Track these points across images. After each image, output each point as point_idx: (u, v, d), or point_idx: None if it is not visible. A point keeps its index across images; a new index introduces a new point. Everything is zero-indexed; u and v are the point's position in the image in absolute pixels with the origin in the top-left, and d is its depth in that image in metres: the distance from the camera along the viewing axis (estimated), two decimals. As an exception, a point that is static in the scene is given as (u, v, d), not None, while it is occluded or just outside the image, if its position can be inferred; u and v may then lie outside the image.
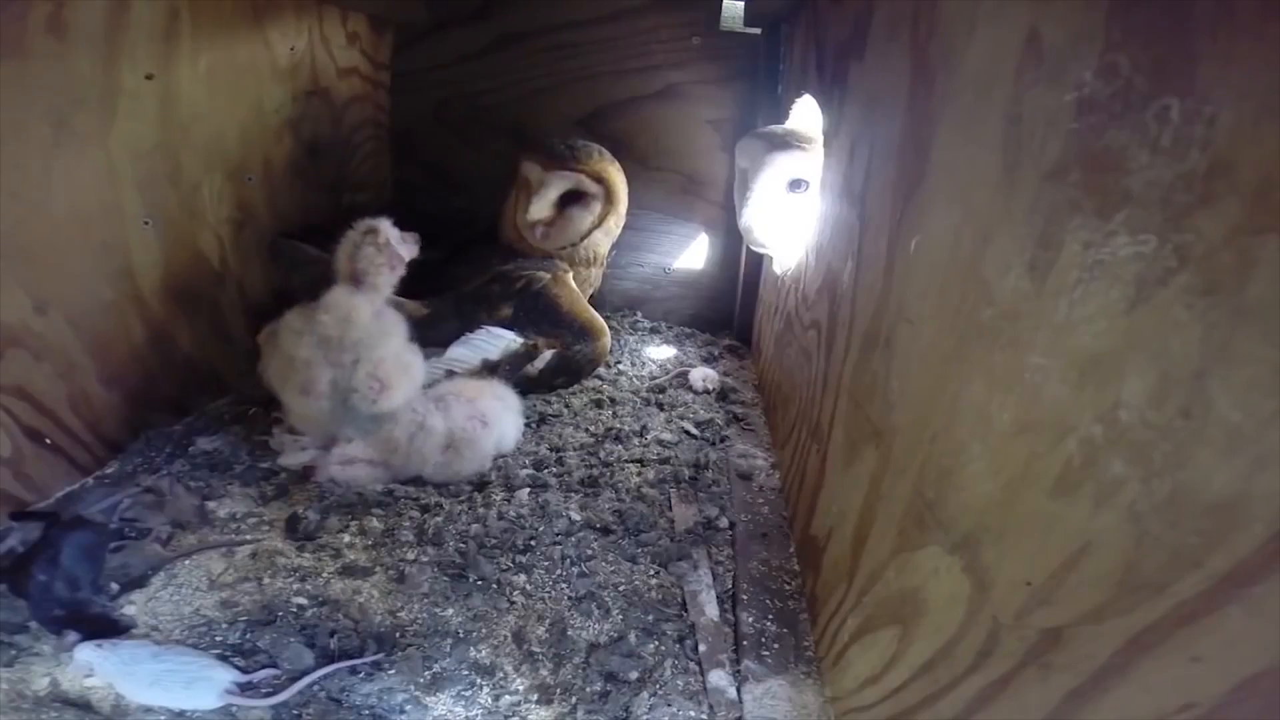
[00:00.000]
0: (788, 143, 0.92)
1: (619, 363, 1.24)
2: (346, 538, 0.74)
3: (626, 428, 1.01)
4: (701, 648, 0.64)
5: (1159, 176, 0.28)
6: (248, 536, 0.73)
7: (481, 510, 0.79)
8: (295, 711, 0.55)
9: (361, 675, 0.58)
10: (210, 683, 0.55)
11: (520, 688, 0.59)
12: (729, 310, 1.45)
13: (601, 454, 0.94)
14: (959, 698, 0.40)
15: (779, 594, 0.72)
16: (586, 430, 1.00)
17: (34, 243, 0.71)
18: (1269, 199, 0.24)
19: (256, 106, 1.04)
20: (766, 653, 0.65)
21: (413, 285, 1.12)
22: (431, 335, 1.00)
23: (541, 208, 1.09)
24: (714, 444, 1.00)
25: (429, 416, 0.85)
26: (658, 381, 1.18)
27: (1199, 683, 0.26)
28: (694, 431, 1.02)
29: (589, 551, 0.75)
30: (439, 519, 0.77)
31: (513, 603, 0.68)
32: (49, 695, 0.54)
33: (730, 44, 1.30)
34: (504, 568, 0.72)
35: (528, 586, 0.70)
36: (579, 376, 1.13)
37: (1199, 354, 0.26)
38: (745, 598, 0.71)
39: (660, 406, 1.09)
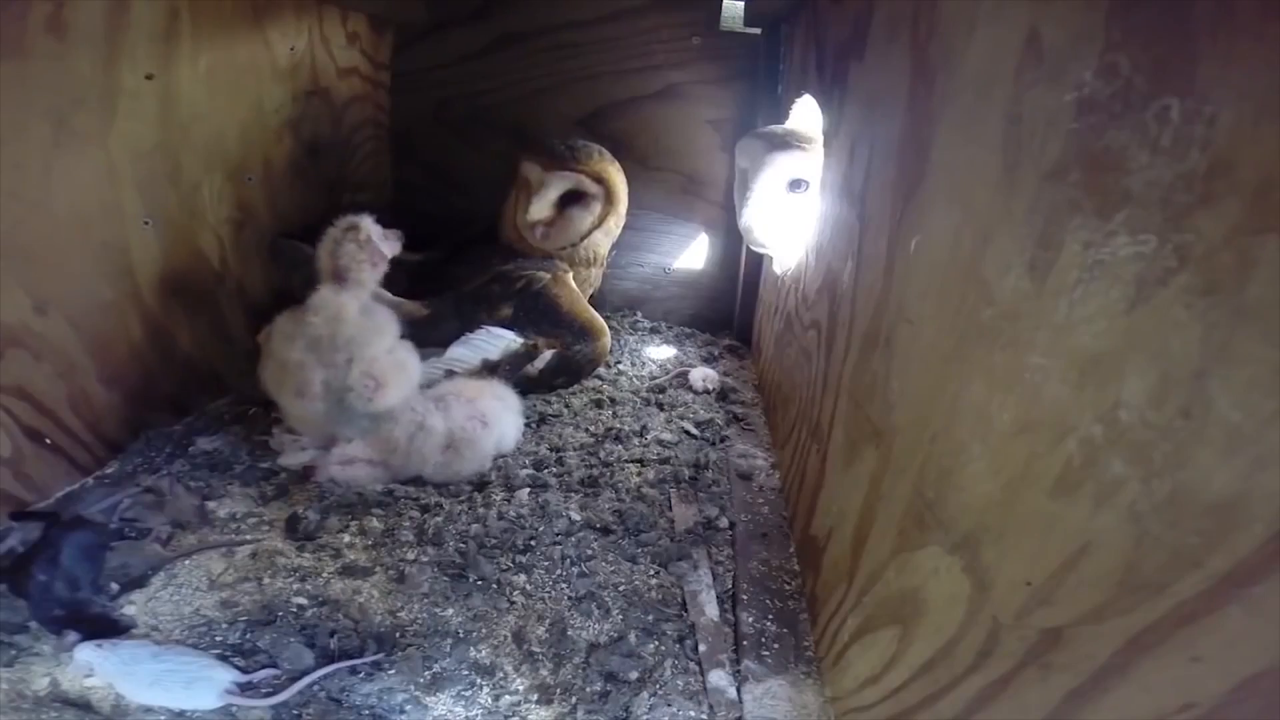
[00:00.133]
0: (788, 143, 0.92)
1: (619, 363, 1.24)
2: (346, 538, 0.74)
3: (626, 428, 1.01)
4: (701, 648, 0.64)
5: (1159, 176, 0.28)
6: (248, 536, 0.73)
7: (481, 510, 0.79)
8: (295, 711, 0.55)
9: (361, 675, 0.58)
10: (210, 683, 0.55)
11: (520, 688, 0.59)
12: (729, 310, 1.45)
13: (601, 454, 0.94)
14: (959, 698, 0.40)
15: (779, 594, 0.72)
16: (586, 430, 1.00)
17: (34, 243, 0.71)
18: (1269, 199, 0.24)
19: (256, 106, 1.04)
20: (766, 653, 0.65)
21: (413, 285, 1.12)
22: (432, 335, 1.00)
23: (541, 208, 1.09)
24: (714, 444, 1.00)
25: (429, 416, 0.85)
26: (658, 381, 1.18)
27: (1199, 683, 0.26)
28: (694, 431, 1.02)
29: (589, 551, 0.75)
30: (439, 519, 0.77)
31: (513, 603, 0.68)
32: (49, 695, 0.54)
33: (730, 44, 1.30)
34: (504, 568, 0.72)
35: (528, 586, 0.70)
36: (579, 376, 1.13)
37: (1199, 354, 0.26)
38: (745, 598, 0.71)
39: (660, 406, 1.09)
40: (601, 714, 0.57)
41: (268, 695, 0.55)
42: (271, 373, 0.83)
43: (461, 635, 0.63)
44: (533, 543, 0.75)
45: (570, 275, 1.13)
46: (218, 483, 0.81)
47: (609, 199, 1.12)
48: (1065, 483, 0.32)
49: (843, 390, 0.67)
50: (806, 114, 1.00)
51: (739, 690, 0.61)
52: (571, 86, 1.37)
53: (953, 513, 0.42)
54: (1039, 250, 0.35)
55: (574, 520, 0.79)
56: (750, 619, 0.68)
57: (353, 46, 1.27)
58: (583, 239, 1.13)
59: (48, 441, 0.75)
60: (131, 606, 0.63)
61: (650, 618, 0.67)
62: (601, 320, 1.11)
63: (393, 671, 0.59)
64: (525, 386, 1.03)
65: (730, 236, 1.38)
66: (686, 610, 0.69)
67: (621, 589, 0.71)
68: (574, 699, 0.58)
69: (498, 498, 0.82)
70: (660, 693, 0.59)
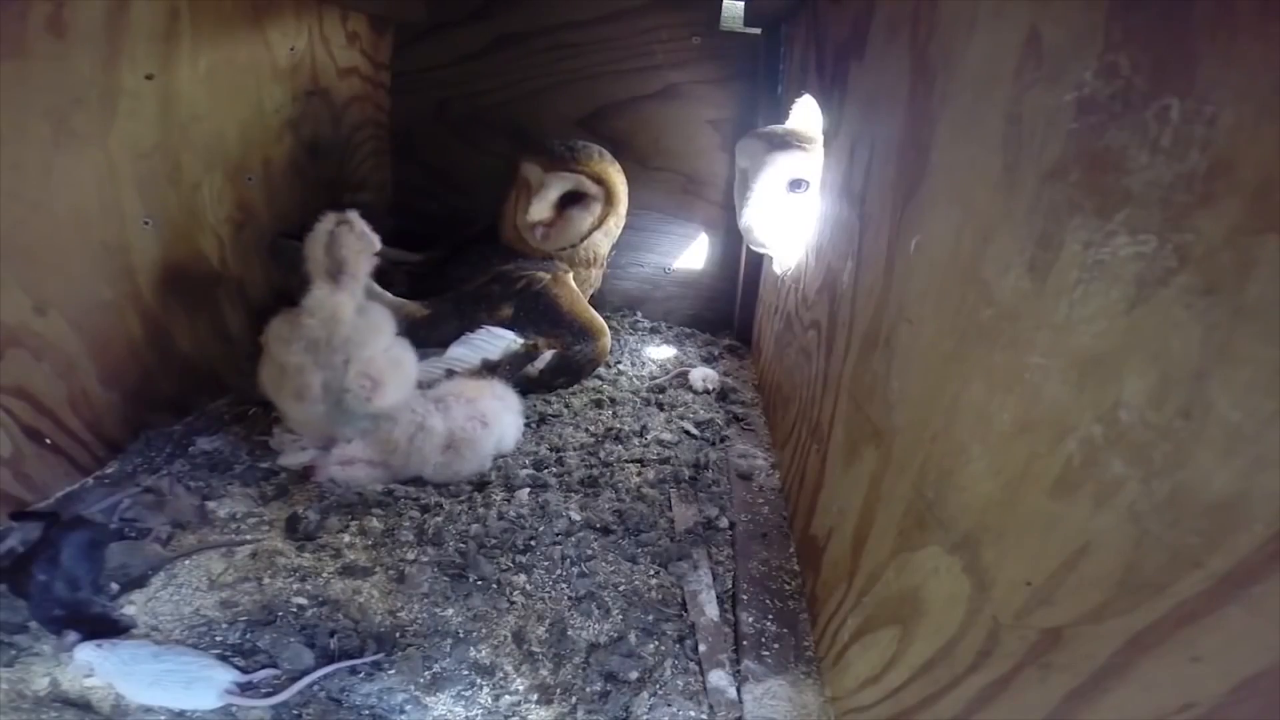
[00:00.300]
0: (788, 143, 0.92)
1: (619, 363, 1.24)
2: (346, 538, 0.74)
3: (626, 428, 1.01)
4: (701, 648, 0.64)
5: (1159, 176, 0.28)
6: (248, 536, 0.73)
7: (481, 510, 0.79)
8: (295, 711, 0.55)
9: (361, 675, 0.58)
10: (210, 683, 0.55)
11: (520, 688, 0.59)
12: (729, 310, 1.45)
13: (601, 454, 0.94)
14: (959, 698, 0.40)
15: (779, 594, 0.72)
16: (586, 430, 1.00)
17: (34, 243, 0.71)
18: (1269, 199, 0.24)
19: (256, 106, 1.04)
20: (766, 653, 0.65)
21: (413, 285, 1.12)
22: (432, 335, 1.00)
23: (541, 209, 1.09)
24: (714, 444, 1.00)
25: (429, 417, 0.85)
26: (658, 381, 1.18)
27: (1199, 683, 0.26)
28: (694, 431, 1.02)
29: (589, 551, 0.75)
30: (439, 519, 0.77)
31: (513, 603, 0.68)
32: (49, 695, 0.54)
33: (730, 44, 1.30)
34: (504, 568, 0.72)
35: (528, 586, 0.70)
36: (579, 376, 1.13)
37: (1199, 354, 0.26)
38: (745, 598, 0.71)
39: (660, 406, 1.09)
40: (601, 714, 0.57)
41: (268, 695, 0.55)
42: (270, 375, 0.83)
43: (461, 635, 0.63)
44: (533, 543, 0.75)
45: (570, 275, 1.13)
46: (218, 483, 0.81)
47: (609, 199, 1.12)
48: (1065, 483, 0.32)
49: (843, 390, 0.67)
50: (806, 114, 1.00)
51: (739, 690, 0.61)
52: (571, 86, 1.37)
53: (953, 513, 0.42)
54: (1039, 250, 0.35)
55: (574, 520, 0.79)
56: (750, 619, 0.68)
57: (353, 46, 1.27)
58: (583, 240, 1.13)
59: (48, 441, 0.75)
60: (131, 606, 0.63)
61: (650, 618, 0.67)
62: (601, 320, 1.11)
63: (393, 671, 0.59)
64: (525, 386, 1.03)
65: (730, 236, 1.38)
66: (686, 610, 0.69)
67: (621, 589, 0.71)
68: (574, 699, 0.58)
69: (498, 498, 0.82)
70: (660, 693, 0.59)
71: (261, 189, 1.07)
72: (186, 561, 0.69)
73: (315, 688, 0.57)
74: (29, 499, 0.73)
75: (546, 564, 0.72)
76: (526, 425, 0.98)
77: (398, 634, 0.63)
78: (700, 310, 1.47)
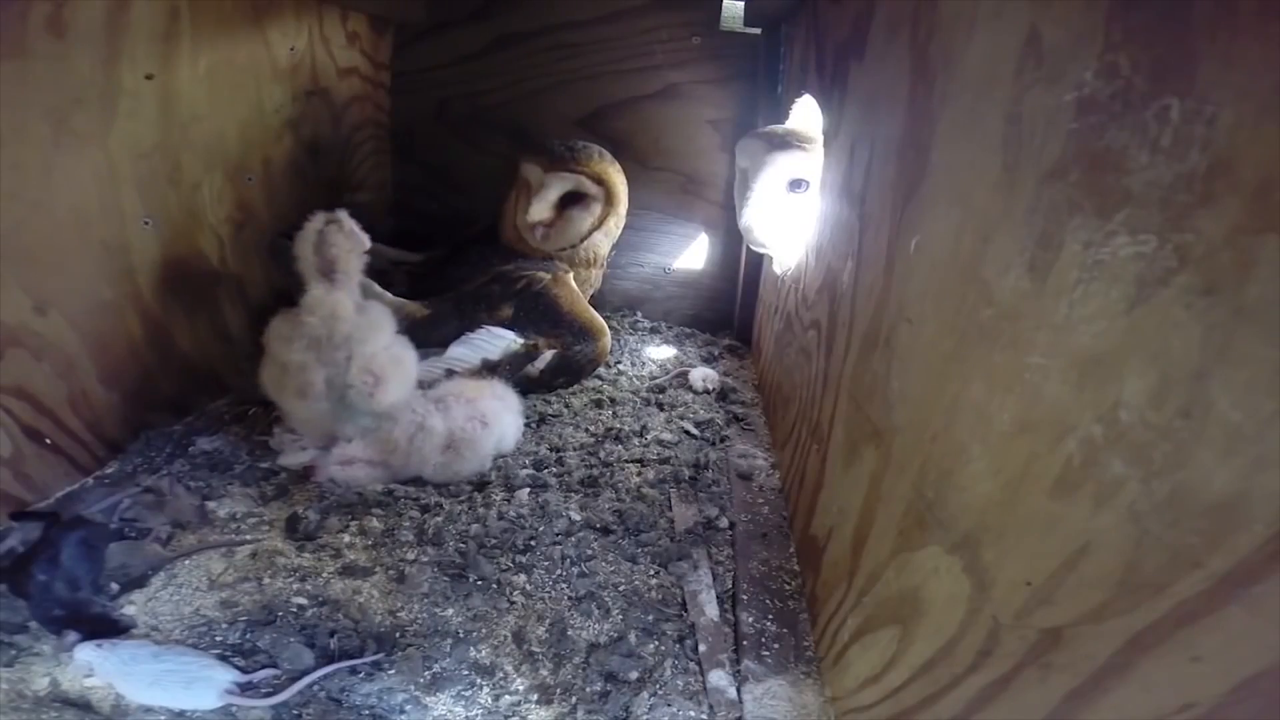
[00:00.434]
0: (788, 143, 0.92)
1: (619, 363, 1.24)
2: (346, 538, 0.74)
3: (626, 428, 1.01)
4: (701, 648, 0.64)
5: (1159, 176, 0.28)
6: (248, 536, 0.73)
7: (481, 510, 0.79)
8: (295, 711, 0.55)
9: (361, 675, 0.58)
10: (210, 683, 0.55)
11: (520, 688, 0.59)
12: (729, 310, 1.45)
13: (601, 454, 0.94)
14: (959, 698, 0.40)
15: (779, 594, 0.72)
16: (586, 430, 1.00)
17: (34, 243, 0.71)
18: (1269, 199, 0.24)
19: (256, 106, 1.04)
20: (766, 653, 0.65)
21: (413, 285, 1.12)
22: (432, 335, 1.00)
23: (541, 209, 1.09)
24: (714, 444, 1.00)
25: (429, 417, 0.85)
26: (658, 381, 1.18)
27: (1199, 683, 0.26)
28: (694, 431, 1.02)
29: (589, 551, 0.75)
30: (439, 519, 0.77)
31: (513, 603, 0.68)
32: (49, 695, 0.54)
33: (730, 44, 1.30)
34: (504, 568, 0.72)
35: (528, 586, 0.70)
36: (579, 376, 1.13)
37: (1199, 354, 0.26)
38: (745, 598, 0.71)
39: (660, 406, 1.09)
40: (601, 714, 0.57)
41: (268, 695, 0.55)
42: (271, 375, 0.83)
43: (461, 635, 0.63)
44: (533, 543, 0.75)
45: (570, 276, 1.13)
46: (218, 483, 0.81)
47: (609, 200, 1.12)
48: (1065, 483, 0.32)
49: (843, 390, 0.67)
50: (806, 114, 1.00)
51: (739, 690, 0.61)
52: (571, 86, 1.37)
53: (953, 513, 0.42)
54: (1039, 250, 0.35)
55: (574, 520, 0.79)
56: (750, 619, 0.68)
57: (353, 46, 1.27)
58: (583, 240, 1.13)
59: (48, 441, 0.75)
60: (131, 606, 0.63)
61: (650, 618, 0.67)
62: (601, 320, 1.12)
63: (393, 671, 0.59)
64: (525, 386, 1.03)
65: (730, 236, 1.38)
66: (686, 610, 0.69)
67: (621, 589, 0.71)
68: (574, 699, 0.58)
69: (498, 498, 0.82)
70: (660, 693, 0.59)
71: (261, 189, 1.07)
72: (186, 561, 0.69)
73: (315, 688, 0.57)
74: (29, 499, 0.73)
75: (546, 564, 0.72)
76: (526, 425, 0.98)
77: (398, 634, 0.63)
78: (700, 310, 1.47)
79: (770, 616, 0.69)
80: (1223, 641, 0.25)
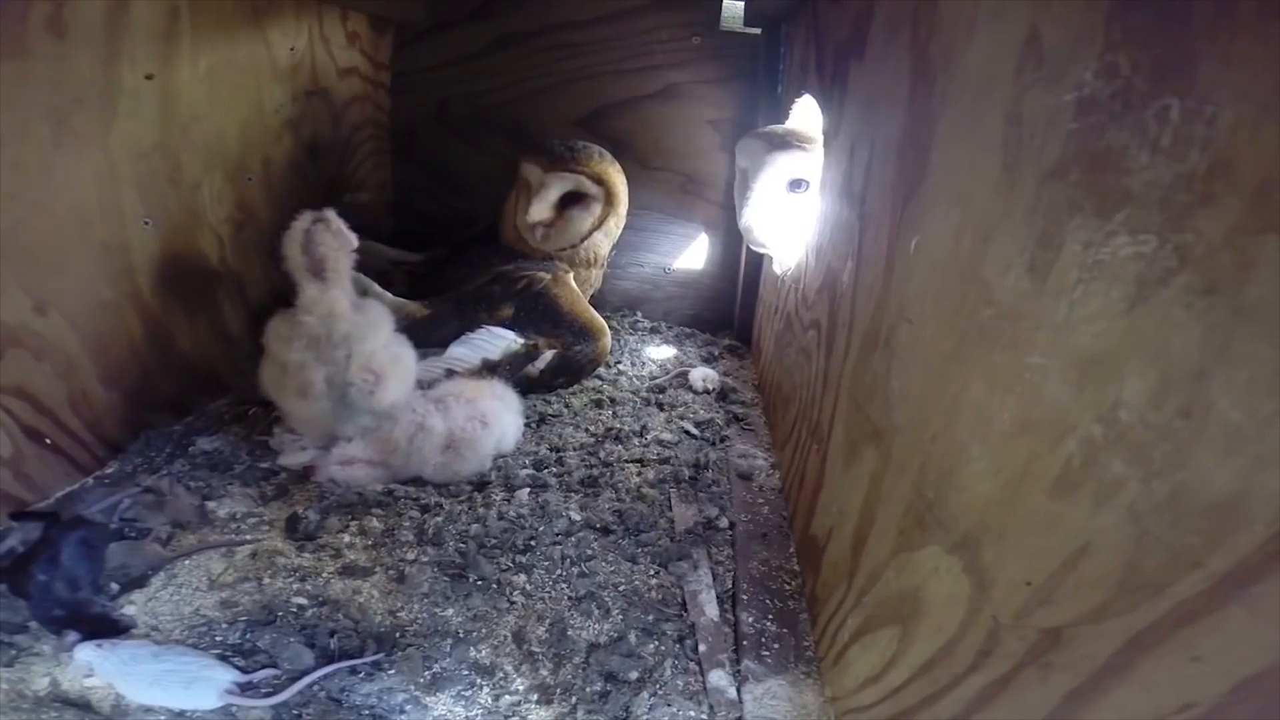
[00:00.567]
0: (788, 143, 0.92)
1: (619, 363, 1.24)
2: (346, 538, 0.74)
3: (626, 428, 1.01)
4: (701, 648, 0.64)
5: (1159, 176, 0.28)
6: (248, 536, 0.73)
7: (481, 510, 0.79)
8: (295, 711, 0.55)
9: (361, 675, 0.58)
10: (210, 683, 0.55)
11: (520, 688, 0.59)
12: (729, 310, 1.45)
13: (601, 454, 0.94)
14: (959, 698, 0.40)
15: (779, 594, 0.72)
16: (586, 430, 1.00)
17: (34, 243, 0.71)
18: (1269, 199, 0.24)
19: (256, 106, 1.04)
20: (766, 653, 0.64)
21: (413, 285, 1.12)
22: (433, 335, 1.00)
23: (541, 209, 1.09)
24: (714, 444, 1.00)
25: (429, 417, 0.85)
26: (658, 381, 1.18)
27: (1199, 683, 0.26)
28: (694, 431, 1.02)
29: (589, 551, 0.75)
30: (439, 519, 0.77)
31: (513, 603, 0.68)
32: (49, 695, 0.54)
33: (730, 44, 1.30)
34: (504, 568, 0.72)
35: (528, 586, 0.70)
36: (579, 376, 1.13)
37: (1199, 354, 0.26)
38: (745, 598, 0.71)
39: (660, 406, 1.09)
40: (601, 714, 0.57)
41: (268, 695, 0.55)
42: (271, 375, 0.83)
43: (461, 635, 0.63)
44: (533, 543, 0.75)
45: (571, 275, 1.13)
46: (218, 483, 0.81)
47: (609, 200, 1.12)
48: (1065, 483, 0.32)
49: (843, 390, 0.67)
50: (806, 114, 1.00)
51: (739, 690, 0.61)
52: (571, 86, 1.37)
53: (953, 513, 0.42)
54: (1039, 250, 0.35)
55: (574, 520, 0.79)
56: (750, 619, 0.68)
57: (353, 46, 1.27)
58: (583, 240, 1.13)
59: (48, 441, 0.75)
60: (131, 606, 0.63)
61: (650, 618, 0.67)
62: (602, 320, 1.12)
63: (393, 671, 0.59)
64: (525, 386, 1.03)
65: (730, 236, 1.38)
66: (686, 610, 0.69)
67: (621, 589, 0.71)
68: (574, 699, 0.58)
69: (498, 498, 0.82)
70: (660, 693, 0.59)
71: (261, 189, 1.07)
72: (186, 561, 0.69)
73: (315, 688, 0.57)
74: (29, 499, 0.73)
75: (546, 564, 0.72)
76: (526, 425, 0.98)
77: (398, 634, 0.63)
78: (700, 310, 1.47)
79: (770, 616, 0.69)
80: (1223, 641, 0.25)
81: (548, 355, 1.06)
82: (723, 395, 1.16)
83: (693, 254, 1.44)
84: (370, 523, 0.76)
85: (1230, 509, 0.25)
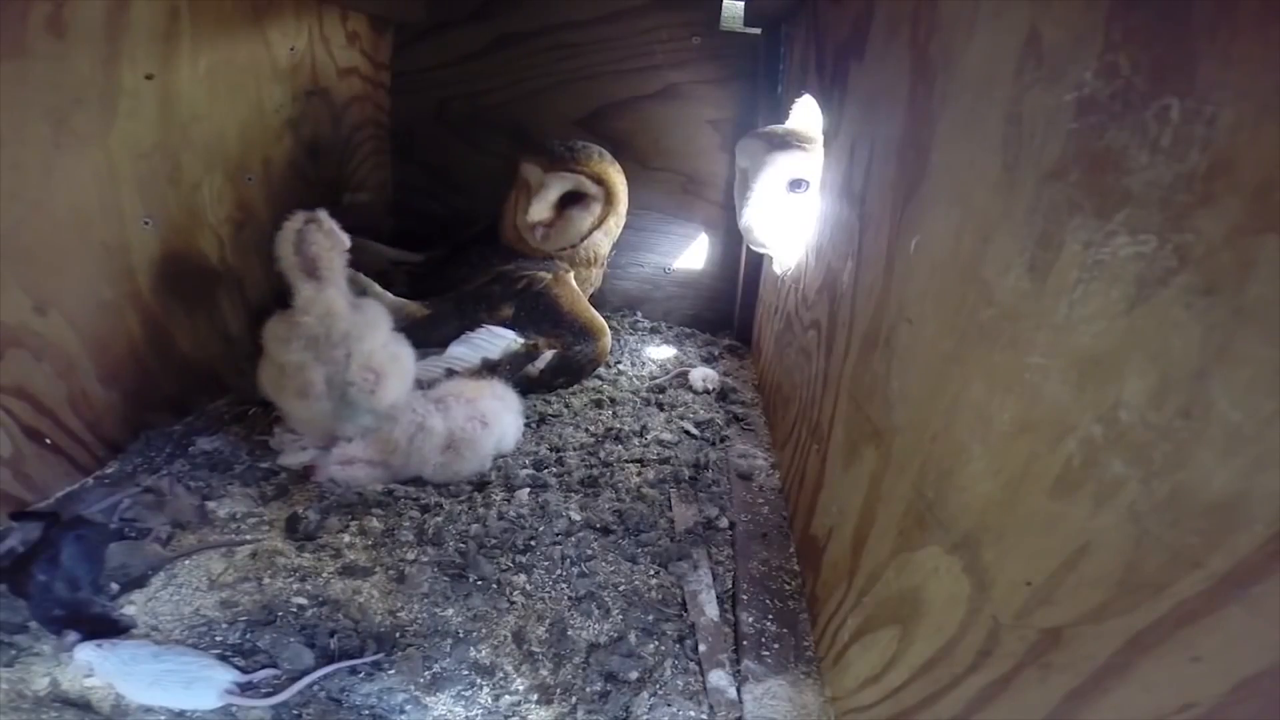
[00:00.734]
0: (788, 143, 0.92)
1: (619, 363, 1.24)
2: (346, 538, 0.74)
3: (626, 428, 1.01)
4: (701, 648, 0.64)
5: (1159, 176, 0.28)
6: (248, 536, 0.73)
7: (481, 510, 0.79)
8: (295, 711, 0.55)
9: (361, 675, 0.58)
10: (210, 683, 0.55)
11: (520, 688, 0.59)
12: (729, 310, 1.45)
13: (601, 454, 0.94)
14: (959, 698, 0.40)
15: (779, 594, 0.72)
16: (586, 430, 1.00)
17: (34, 243, 0.71)
18: (1269, 199, 0.24)
19: (256, 106, 1.04)
20: (766, 653, 0.64)
21: (413, 285, 1.12)
22: (433, 335, 1.00)
23: (541, 209, 1.09)
24: (714, 444, 1.00)
25: (429, 417, 0.85)
26: (658, 381, 1.18)
27: (1199, 683, 0.26)
28: (694, 431, 1.02)
29: (589, 551, 0.75)
30: (439, 519, 0.77)
31: (513, 603, 0.68)
32: (49, 695, 0.54)
33: (730, 44, 1.30)
34: (504, 568, 0.72)
35: (528, 586, 0.70)
36: (579, 376, 1.13)
37: (1199, 354, 0.26)
38: (745, 598, 0.71)
39: (660, 406, 1.09)
40: (601, 714, 0.57)
41: (268, 695, 0.55)
42: (270, 376, 0.83)
43: (461, 635, 0.63)
44: (533, 543, 0.75)
45: (571, 275, 1.13)
46: (218, 483, 0.81)
47: (609, 200, 1.12)
48: (1065, 483, 0.32)
49: (843, 390, 0.67)
50: (806, 114, 1.00)
51: (739, 690, 0.61)
52: (571, 86, 1.37)
53: (953, 513, 0.42)
54: (1039, 250, 0.35)
55: (574, 520, 0.79)
56: (750, 619, 0.68)
57: (353, 46, 1.27)
58: (583, 240, 1.13)
59: (48, 441, 0.75)
60: (131, 606, 0.63)
61: (650, 618, 0.67)
62: (602, 320, 1.12)
63: (393, 671, 0.59)
64: (525, 386, 1.03)
65: (730, 236, 1.38)
66: (686, 610, 0.69)
67: (621, 589, 0.71)
68: (574, 699, 0.58)
69: (498, 498, 0.82)
70: (660, 693, 0.59)
71: (261, 189, 1.07)
72: (186, 561, 0.69)
73: (315, 688, 0.57)
74: (29, 499, 0.73)
75: (546, 564, 0.72)
76: (526, 425, 0.98)
77: (398, 634, 0.63)
78: (700, 310, 1.47)
79: (770, 616, 0.69)
80: (1223, 641, 0.25)
81: (548, 355, 1.06)
82: (723, 395, 1.16)
83: (693, 254, 1.44)
84: (370, 523, 0.76)
85: (1230, 509, 0.25)
